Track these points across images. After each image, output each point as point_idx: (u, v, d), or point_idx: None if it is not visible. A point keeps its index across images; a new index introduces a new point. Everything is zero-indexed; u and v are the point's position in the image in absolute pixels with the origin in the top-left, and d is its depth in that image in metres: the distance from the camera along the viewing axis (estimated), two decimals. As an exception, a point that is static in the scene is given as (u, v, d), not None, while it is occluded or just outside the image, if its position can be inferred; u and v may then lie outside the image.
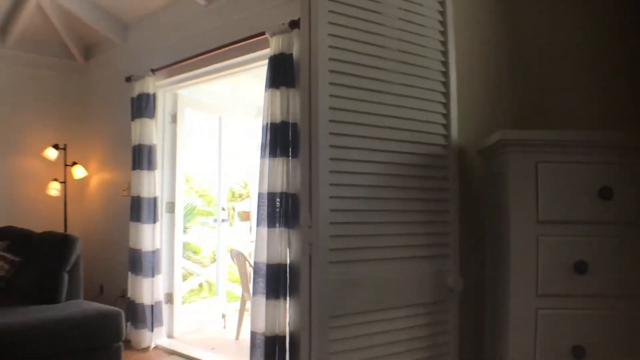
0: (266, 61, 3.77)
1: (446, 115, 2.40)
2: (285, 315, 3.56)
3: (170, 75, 4.84)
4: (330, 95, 2.01)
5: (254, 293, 3.69)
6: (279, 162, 3.61)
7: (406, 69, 2.29)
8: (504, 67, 2.66)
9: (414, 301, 2.21)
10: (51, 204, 5.66)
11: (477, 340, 2.56)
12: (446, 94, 2.42)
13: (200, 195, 7.85)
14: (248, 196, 13.98)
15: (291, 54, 3.64)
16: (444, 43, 2.44)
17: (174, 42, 4.84)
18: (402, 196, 2.20)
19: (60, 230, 5.41)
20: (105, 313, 3.85)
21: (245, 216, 16.58)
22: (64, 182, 5.63)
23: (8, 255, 4.34)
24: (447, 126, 2.39)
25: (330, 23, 2.06)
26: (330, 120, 1.98)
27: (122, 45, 5.44)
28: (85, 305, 4.00)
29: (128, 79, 5.04)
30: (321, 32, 2.02)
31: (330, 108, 2.01)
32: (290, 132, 3.61)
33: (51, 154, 5.53)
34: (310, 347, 1.86)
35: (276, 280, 3.57)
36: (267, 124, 3.68)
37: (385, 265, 2.13)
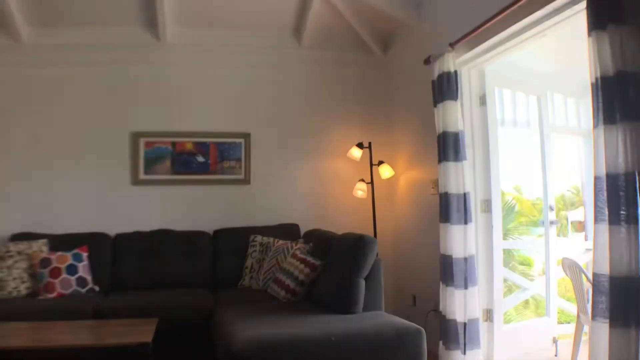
0: (579, 6, 2.97)
1: None
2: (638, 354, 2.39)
3: (470, 47, 4.07)
4: None
5: (593, 316, 2.65)
6: (619, 129, 2.52)
7: None
8: None
9: None
10: (358, 206, 5.42)
11: None
12: None
13: (518, 200, 6.79)
14: (582, 204, 12.12)
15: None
16: None
17: (471, 6, 4.03)
18: None
19: (370, 234, 5.02)
20: (401, 330, 3.18)
21: (580, 227, 14.57)
22: (370, 183, 5.28)
23: (310, 259, 4.12)
24: None
25: None
26: None
27: (417, 25, 4.90)
28: (382, 319, 3.42)
29: (427, 61, 4.44)
30: None
31: None
32: (630, 87, 2.49)
33: (356, 153, 5.28)
34: None
35: (624, 300, 2.46)
36: (596, 79, 2.65)
37: None
